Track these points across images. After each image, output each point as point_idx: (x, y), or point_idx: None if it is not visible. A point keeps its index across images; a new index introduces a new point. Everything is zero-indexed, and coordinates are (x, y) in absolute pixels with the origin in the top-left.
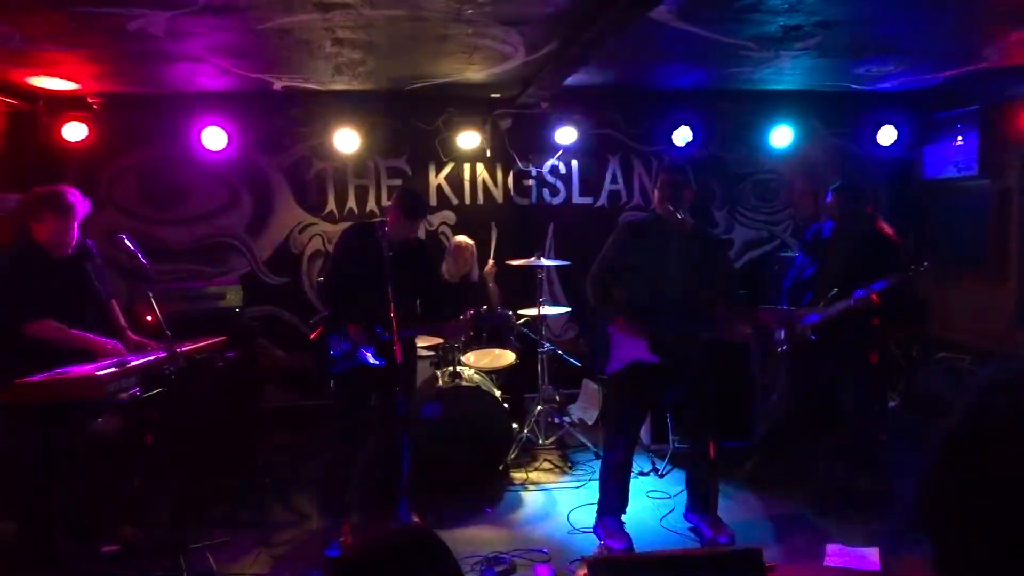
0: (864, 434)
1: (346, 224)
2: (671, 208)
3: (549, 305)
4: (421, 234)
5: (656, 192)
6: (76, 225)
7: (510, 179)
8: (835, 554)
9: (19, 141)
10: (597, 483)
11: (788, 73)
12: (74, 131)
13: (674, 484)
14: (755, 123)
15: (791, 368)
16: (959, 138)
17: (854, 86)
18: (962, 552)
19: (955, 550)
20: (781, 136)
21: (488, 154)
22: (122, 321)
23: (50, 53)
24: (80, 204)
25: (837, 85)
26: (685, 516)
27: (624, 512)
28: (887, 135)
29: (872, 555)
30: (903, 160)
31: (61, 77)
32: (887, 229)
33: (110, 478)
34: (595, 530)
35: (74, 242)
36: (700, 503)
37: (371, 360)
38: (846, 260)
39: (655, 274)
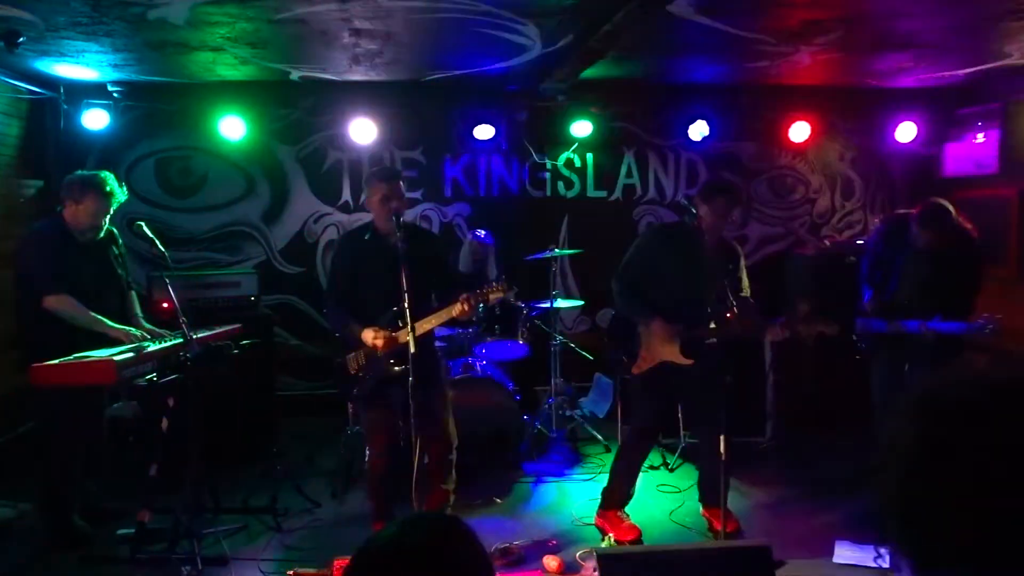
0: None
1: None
2: (719, 227)
3: (562, 298)
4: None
5: (707, 210)
6: (112, 211)
7: (525, 171)
8: (845, 550)
9: (40, 129)
10: (607, 475)
11: (807, 68)
12: (95, 119)
13: (684, 478)
14: (772, 118)
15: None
16: (980, 135)
17: (873, 82)
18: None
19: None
20: (799, 132)
21: (504, 146)
22: (136, 310)
23: (72, 41)
24: (118, 191)
25: (856, 81)
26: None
27: (627, 504)
28: (906, 132)
29: (883, 551)
30: (923, 157)
31: (82, 65)
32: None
33: (127, 462)
34: (600, 521)
35: (104, 228)
36: (710, 496)
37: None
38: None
39: (687, 281)
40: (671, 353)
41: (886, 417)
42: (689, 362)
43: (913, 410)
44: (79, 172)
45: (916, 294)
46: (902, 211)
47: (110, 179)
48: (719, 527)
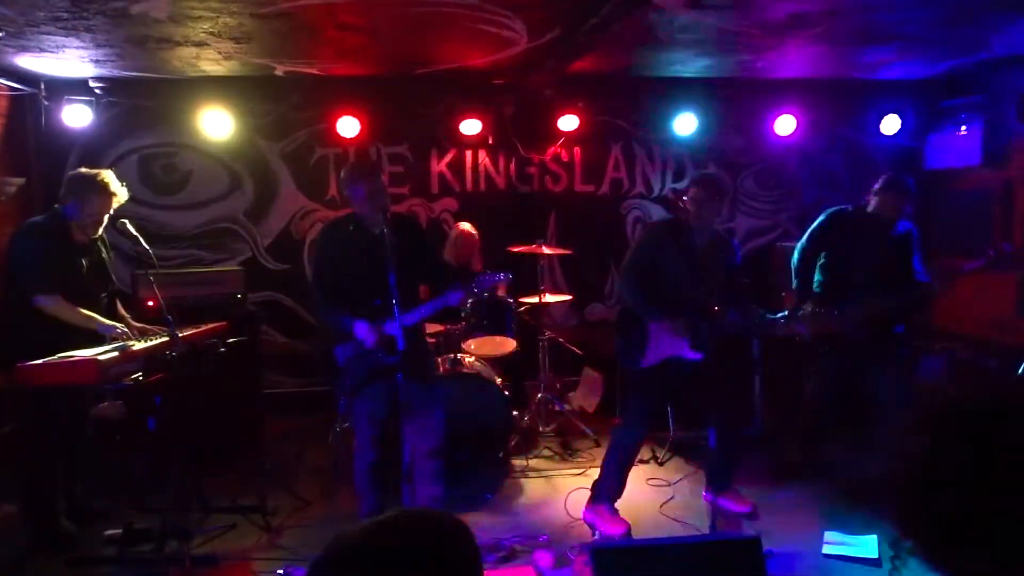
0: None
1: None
2: (707, 223)
3: (550, 293)
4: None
5: (692, 206)
6: (112, 211)
7: (512, 166)
8: (833, 542)
9: (21, 126)
10: (597, 470)
11: (792, 61)
12: (76, 115)
13: (674, 472)
14: (758, 111)
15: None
16: (963, 128)
17: (858, 74)
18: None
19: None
20: (784, 125)
21: (491, 141)
22: (120, 310)
23: (52, 37)
24: (121, 191)
25: (841, 73)
26: (704, 496)
27: (618, 499)
28: (891, 124)
29: (871, 543)
30: (906, 149)
31: (63, 61)
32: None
33: (113, 462)
34: (589, 516)
35: (102, 228)
36: (720, 481)
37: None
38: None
39: (688, 276)
40: (680, 348)
41: (820, 426)
42: (697, 356)
43: (939, 418)
44: (82, 169)
45: (872, 274)
46: (842, 207)
47: (112, 178)
48: (736, 508)
